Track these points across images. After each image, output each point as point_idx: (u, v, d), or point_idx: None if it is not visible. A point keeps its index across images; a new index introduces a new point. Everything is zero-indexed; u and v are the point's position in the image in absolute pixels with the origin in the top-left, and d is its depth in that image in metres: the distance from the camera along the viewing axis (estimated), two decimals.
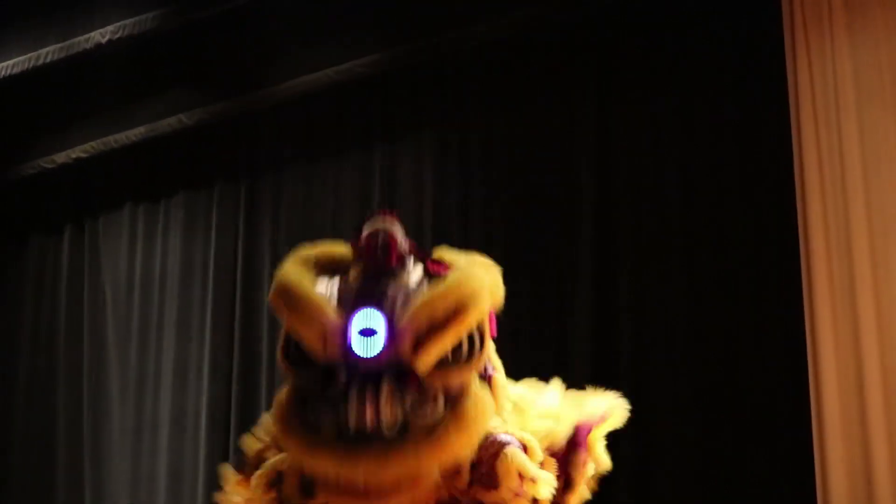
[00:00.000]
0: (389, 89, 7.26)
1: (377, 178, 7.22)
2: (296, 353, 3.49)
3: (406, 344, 3.27)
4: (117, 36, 7.42)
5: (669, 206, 6.23)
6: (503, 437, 3.45)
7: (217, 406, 7.64)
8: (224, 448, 7.48)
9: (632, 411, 5.82)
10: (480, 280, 3.43)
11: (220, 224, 7.96)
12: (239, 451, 3.97)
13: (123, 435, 7.97)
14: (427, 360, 3.26)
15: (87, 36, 7.50)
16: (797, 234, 5.78)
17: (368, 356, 3.26)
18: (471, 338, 3.35)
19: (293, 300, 3.46)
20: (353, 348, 3.28)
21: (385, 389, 3.26)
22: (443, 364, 3.31)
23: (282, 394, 3.55)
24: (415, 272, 3.54)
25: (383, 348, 3.27)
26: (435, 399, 3.29)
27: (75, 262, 8.53)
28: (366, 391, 3.26)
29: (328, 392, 3.34)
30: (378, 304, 3.36)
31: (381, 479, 3.24)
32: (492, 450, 3.41)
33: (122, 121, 7.95)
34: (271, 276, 7.36)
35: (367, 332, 3.27)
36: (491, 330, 3.50)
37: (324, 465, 3.31)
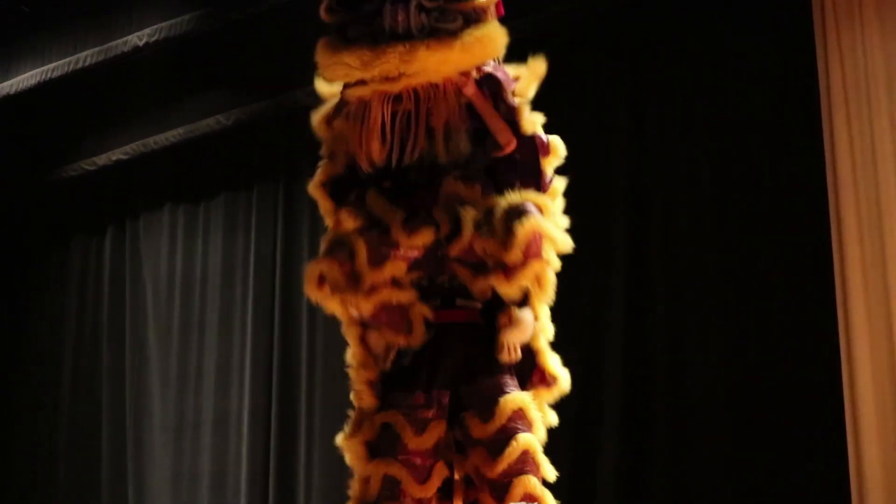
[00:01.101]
0: None
1: None
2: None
3: None
4: (154, 39, 7.48)
5: (701, 202, 6.24)
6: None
7: (258, 404, 7.72)
8: (265, 446, 7.58)
9: (667, 412, 5.94)
10: None
11: (259, 224, 8.03)
12: None
13: (165, 433, 8.07)
14: None
15: (125, 39, 7.58)
16: (829, 230, 5.78)
17: None
18: None
19: None
20: None
21: (414, 2, 3.72)
22: None
23: (320, 44, 3.92)
24: None
25: None
26: (455, 16, 3.76)
27: (117, 263, 8.65)
28: (398, 3, 3.72)
29: (364, 10, 3.75)
30: None
31: (411, 63, 3.70)
32: None
33: (161, 122, 8.05)
34: None
35: None
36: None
37: (357, 61, 3.72)
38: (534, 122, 4.00)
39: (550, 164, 4.08)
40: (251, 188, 8.12)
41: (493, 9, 3.89)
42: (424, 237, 3.87)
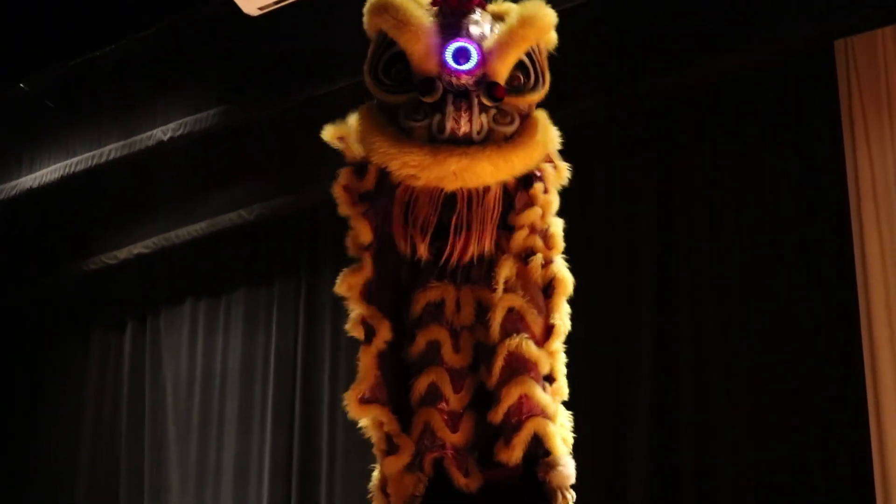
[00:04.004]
0: None
1: None
2: (385, 73, 3.76)
3: (493, 63, 3.67)
4: (178, 133, 7.46)
5: (729, 295, 6.20)
6: None
7: (277, 502, 7.59)
8: None
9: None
10: (547, 14, 3.80)
11: (280, 320, 7.99)
12: None
13: None
14: (506, 68, 3.70)
15: (149, 133, 7.56)
16: (860, 332, 5.73)
17: (463, 71, 3.64)
18: (536, 71, 3.77)
19: (401, 13, 3.71)
20: (450, 65, 3.65)
21: (476, 100, 3.63)
22: (518, 90, 3.73)
23: (361, 110, 3.79)
24: (485, 20, 3.81)
25: (476, 66, 3.65)
26: (512, 117, 3.70)
27: (137, 358, 8.59)
28: (460, 103, 3.63)
29: (425, 101, 3.63)
30: (467, 35, 3.72)
31: (469, 173, 3.62)
32: None
33: (183, 216, 8.03)
34: (331, 372, 7.56)
35: (462, 54, 3.66)
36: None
37: (415, 160, 3.62)
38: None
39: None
40: (272, 283, 8.09)
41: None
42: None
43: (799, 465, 5.82)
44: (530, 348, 3.71)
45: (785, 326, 5.98)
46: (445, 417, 3.69)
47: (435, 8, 3.79)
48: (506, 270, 3.77)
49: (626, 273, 6.49)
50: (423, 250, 3.78)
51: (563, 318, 3.85)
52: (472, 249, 3.76)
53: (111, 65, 7.72)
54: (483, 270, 3.79)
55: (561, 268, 3.89)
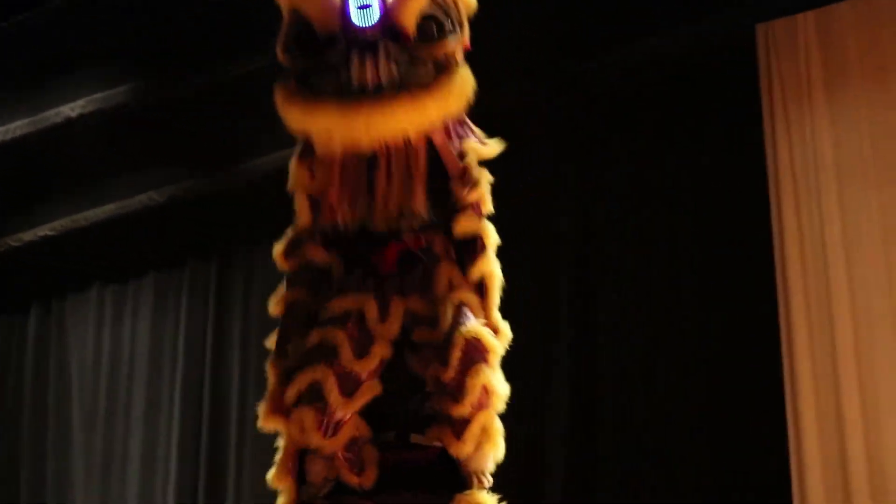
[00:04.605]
0: None
1: None
2: (294, 38, 3.62)
3: (399, 8, 3.54)
4: (88, 110, 7.30)
5: (649, 291, 6.17)
6: None
7: (184, 491, 7.47)
8: None
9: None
10: None
11: (190, 306, 7.86)
12: None
13: None
14: (413, 12, 3.56)
15: (56, 110, 7.38)
16: (777, 314, 5.68)
17: (366, 25, 3.53)
18: (451, 19, 3.63)
19: None
20: (353, 20, 3.55)
21: (382, 51, 3.52)
22: (430, 37, 3.59)
23: (278, 88, 3.66)
24: None
25: (380, 19, 3.54)
26: (425, 64, 3.56)
27: (41, 344, 8.39)
28: (365, 54, 3.51)
29: (328, 59, 3.52)
30: None
31: (380, 123, 3.49)
32: None
33: (92, 198, 7.81)
34: (242, 359, 7.44)
35: (363, 6, 3.55)
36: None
37: (326, 119, 3.49)
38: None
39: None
40: (183, 268, 7.96)
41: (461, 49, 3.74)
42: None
43: (717, 456, 5.79)
44: (488, 336, 3.56)
45: (705, 312, 5.95)
46: (322, 419, 3.49)
47: None
48: (446, 273, 3.62)
49: (544, 264, 6.43)
50: (345, 210, 3.63)
51: (501, 321, 3.71)
52: (396, 203, 3.61)
53: (17, 38, 7.53)
54: (416, 279, 3.63)
55: (493, 262, 3.73)
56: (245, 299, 7.62)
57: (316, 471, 3.58)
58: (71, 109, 7.33)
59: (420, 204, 3.63)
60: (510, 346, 3.59)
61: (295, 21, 3.64)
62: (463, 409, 3.50)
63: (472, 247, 3.68)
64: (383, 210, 3.62)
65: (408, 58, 3.55)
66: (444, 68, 3.61)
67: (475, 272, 3.65)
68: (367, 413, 3.56)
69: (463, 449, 3.53)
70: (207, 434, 7.52)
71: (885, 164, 5.62)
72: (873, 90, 5.72)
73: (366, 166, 3.62)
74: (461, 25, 3.68)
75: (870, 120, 5.69)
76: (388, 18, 3.56)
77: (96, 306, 8.23)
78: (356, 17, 3.55)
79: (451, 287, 3.60)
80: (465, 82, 3.63)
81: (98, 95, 7.29)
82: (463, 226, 3.64)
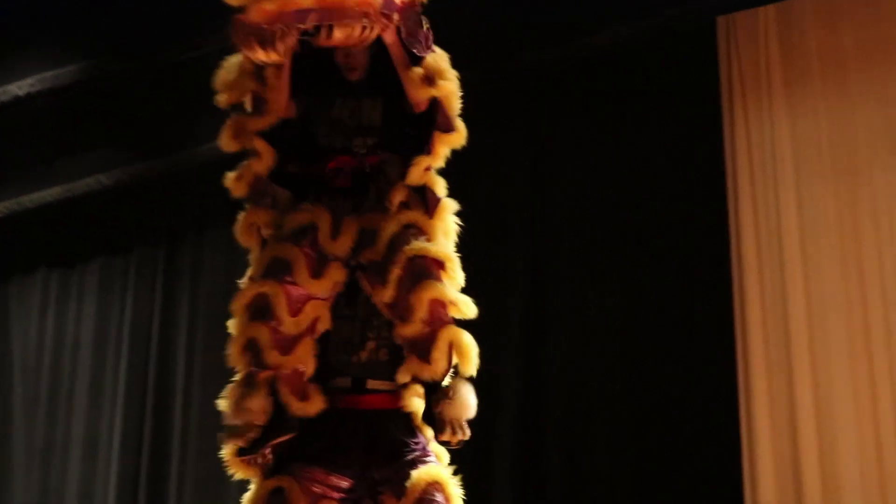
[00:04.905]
0: None
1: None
2: None
3: None
4: (36, 89, 7.15)
5: (603, 275, 6.11)
6: None
7: (126, 478, 7.35)
8: None
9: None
10: None
11: (136, 290, 7.73)
12: None
13: None
14: None
15: (3, 89, 7.23)
16: (732, 308, 5.67)
17: None
18: None
19: None
20: None
21: None
22: None
23: None
24: None
25: None
26: None
27: None
28: None
29: None
30: None
31: None
32: None
33: (38, 180, 7.66)
34: (188, 344, 7.33)
35: None
36: None
37: None
38: (447, 84, 3.66)
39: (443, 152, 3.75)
40: (130, 253, 7.83)
41: None
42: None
43: (670, 456, 5.76)
44: (434, 250, 3.52)
45: (658, 301, 5.92)
46: (275, 337, 3.45)
47: None
48: (400, 195, 3.57)
49: (497, 253, 6.36)
50: (283, 100, 3.57)
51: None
52: (344, 35, 3.42)
53: None
54: (371, 199, 3.59)
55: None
56: (193, 285, 7.51)
57: (253, 408, 3.45)
58: (19, 88, 7.19)
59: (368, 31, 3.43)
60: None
61: None
62: (413, 327, 3.43)
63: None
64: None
65: None
66: None
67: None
68: (321, 361, 3.51)
69: (435, 369, 3.45)
70: (151, 421, 7.40)
71: (841, 157, 5.64)
72: (832, 84, 5.73)
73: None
74: None
75: (827, 113, 5.71)
76: None
77: (41, 290, 8.10)
78: None
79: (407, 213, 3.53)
80: None
81: (47, 74, 7.16)
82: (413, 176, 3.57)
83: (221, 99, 3.67)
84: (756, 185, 5.72)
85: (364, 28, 3.38)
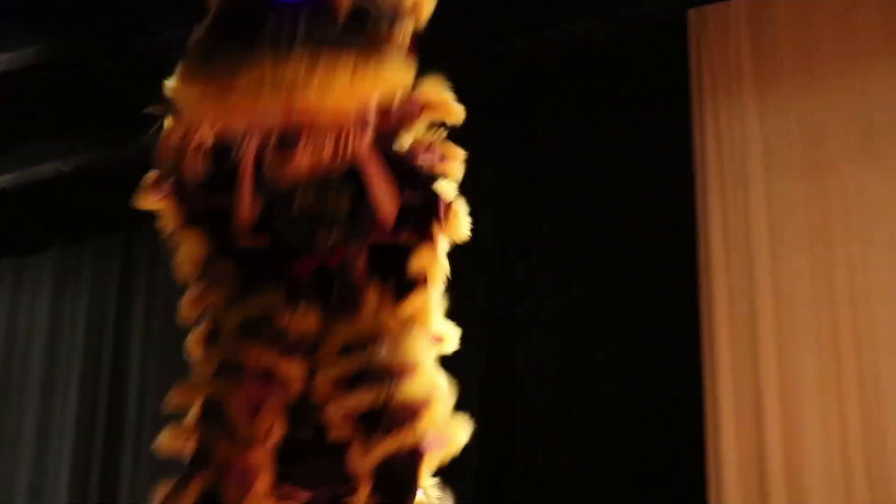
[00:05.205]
0: None
1: None
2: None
3: None
4: None
5: (570, 272, 6.06)
6: None
7: (78, 470, 7.30)
8: None
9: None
10: None
11: (93, 281, 7.71)
12: None
13: None
14: None
15: None
16: (699, 302, 5.61)
17: None
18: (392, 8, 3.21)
19: None
20: None
21: (302, 25, 3.03)
22: (358, 20, 3.10)
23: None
24: None
25: None
26: (352, 45, 3.05)
27: None
28: (283, 26, 3.03)
29: (241, 35, 3.06)
30: None
31: (290, 108, 3.01)
32: None
33: None
34: (144, 335, 7.25)
35: None
36: None
37: (231, 99, 3.04)
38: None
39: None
40: (86, 242, 7.80)
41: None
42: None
43: (634, 452, 5.72)
44: (410, 394, 3.19)
45: (625, 296, 5.89)
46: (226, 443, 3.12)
47: None
48: (372, 298, 3.23)
49: (464, 246, 6.30)
50: (247, 208, 3.23)
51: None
52: (319, 156, 3.14)
53: None
54: (334, 301, 3.21)
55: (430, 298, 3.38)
56: (150, 276, 7.45)
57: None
58: None
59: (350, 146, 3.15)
60: None
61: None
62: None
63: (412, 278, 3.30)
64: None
65: (335, 34, 3.06)
66: (371, 52, 3.11)
67: (407, 307, 3.28)
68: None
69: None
70: (105, 410, 7.36)
71: (812, 154, 5.59)
72: (802, 79, 5.69)
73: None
74: (402, 20, 3.25)
75: (798, 109, 5.66)
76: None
77: None
78: None
79: (376, 314, 3.21)
80: (394, 71, 3.18)
81: (2, 57, 7.01)
82: (418, 264, 3.28)
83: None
84: (725, 180, 5.67)
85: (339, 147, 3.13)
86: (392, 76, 3.17)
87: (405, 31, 3.25)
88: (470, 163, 6.37)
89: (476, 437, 5.89)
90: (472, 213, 6.31)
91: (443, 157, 3.48)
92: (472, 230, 6.23)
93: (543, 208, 6.20)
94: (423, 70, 5.39)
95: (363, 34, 3.10)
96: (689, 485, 5.47)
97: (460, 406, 5.92)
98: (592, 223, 6.04)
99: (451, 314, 6.02)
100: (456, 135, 6.37)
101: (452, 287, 6.06)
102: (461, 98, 6.47)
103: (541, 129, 6.33)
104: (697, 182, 5.74)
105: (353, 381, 3.11)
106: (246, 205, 3.23)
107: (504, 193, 6.32)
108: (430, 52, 6.12)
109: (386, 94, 3.19)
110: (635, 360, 5.78)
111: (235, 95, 3.02)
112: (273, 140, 3.11)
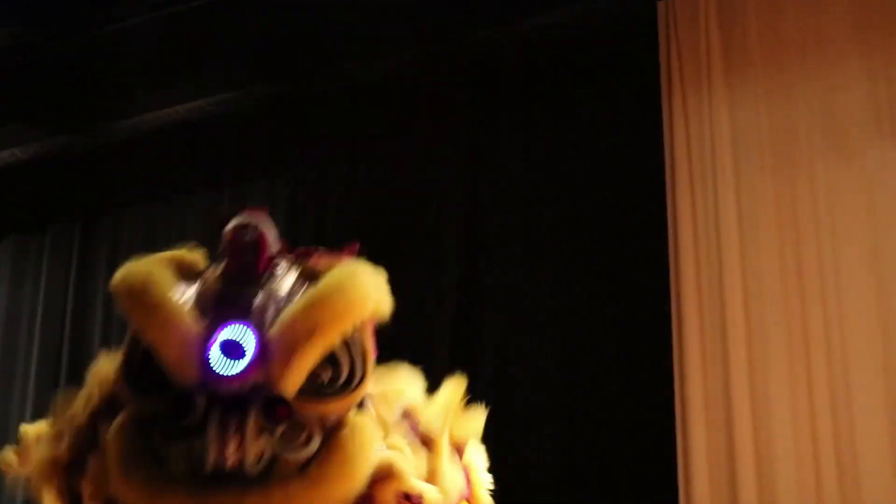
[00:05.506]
0: (242, 128, 6.96)
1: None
2: (141, 372, 2.87)
3: (277, 363, 2.74)
4: None
5: (537, 265, 6.01)
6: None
7: None
8: None
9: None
10: (364, 285, 2.89)
11: (50, 269, 7.56)
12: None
13: None
14: (297, 377, 2.76)
15: None
16: (669, 298, 5.58)
17: (233, 377, 2.73)
18: (352, 360, 2.85)
19: (148, 302, 2.82)
20: (215, 368, 2.73)
21: (252, 420, 2.72)
22: (320, 391, 2.80)
23: (116, 426, 2.88)
24: (287, 278, 2.95)
25: (250, 368, 2.74)
26: (309, 433, 2.78)
27: None
28: (228, 421, 2.72)
29: (181, 423, 2.76)
30: (244, 314, 2.80)
31: None
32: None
33: None
34: (104, 325, 7.14)
35: (232, 348, 2.74)
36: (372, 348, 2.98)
37: None
38: None
39: None
40: (45, 230, 7.64)
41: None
42: None
43: (602, 448, 5.67)
44: None
45: (594, 290, 5.84)
46: None
47: (220, 266, 2.96)
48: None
49: (431, 239, 6.26)
50: None
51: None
52: None
53: None
54: None
55: None
56: (109, 264, 7.30)
57: None
58: None
59: None
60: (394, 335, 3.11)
61: (144, 353, 2.86)
62: None
63: None
64: None
65: (287, 427, 2.76)
66: (334, 432, 2.80)
67: None
68: None
69: None
70: None
71: (781, 147, 5.56)
72: (772, 72, 5.65)
73: None
74: (366, 364, 2.91)
75: (767, 102, 5.63)
76: (265, 369, 2.75)
77: None
78: (218, 364, 2.73)
79: None
80: (358, 445, 2.82)
81: None
82: None
83: None
84: (694, 174, 5.63)
85: None
86: (346, 478, 2.81)
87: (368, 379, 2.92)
88: (436, 158, 6.41)
89: None
90: (439, 210, 6.34)
91: None
92: (439, 229, 6.24)
93: (513, 201, 6.14)
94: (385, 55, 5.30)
95: (318, 414, 2.80)
96: (660, 481, 5.44)
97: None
98: (560, 219, 6.00)
99: (419, 313, 6.03)
100: (421, 127, 6.38)
101: (420, 286, 6.07)
102: (427, 90, 6.50)
103: (508, 122, 6.27)
104: (667, 177, 5.70)
105: None
106: None
107: (470, 189, 6.27)
108: (395, 40, 6.14)
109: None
110: (603, 355, 5.74)
111: None
112: None
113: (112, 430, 2.86)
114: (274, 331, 2.77)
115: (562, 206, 6.00)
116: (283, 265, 2.97)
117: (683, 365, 5.45)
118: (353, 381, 2.84)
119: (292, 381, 2.75)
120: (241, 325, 2.75)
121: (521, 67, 6.27)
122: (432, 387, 5.88)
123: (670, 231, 5.62)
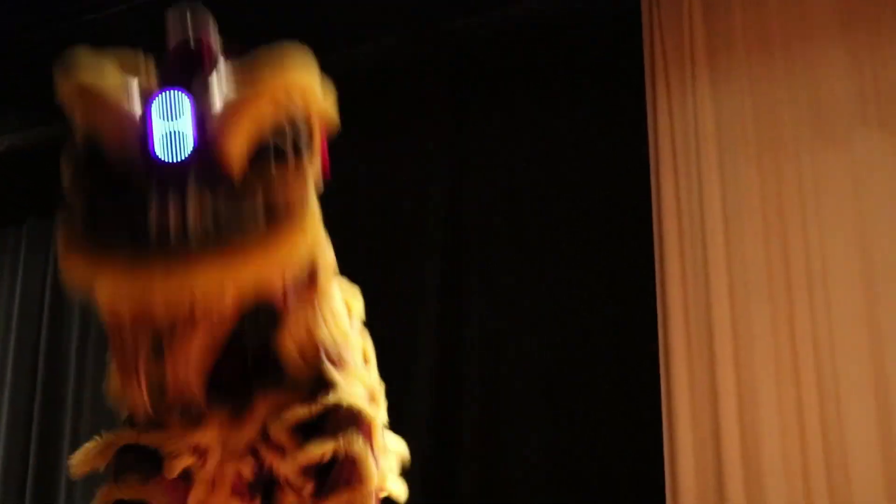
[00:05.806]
0: None
1: None
2: (84, 150, 2.90)
3: (217, 131, 2.73)
4: None
5: (525, 265, 6.00)
6: None
7: (14, 458, 7.15)
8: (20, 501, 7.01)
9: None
10: (305, 63, 2.87)
11: (27, 264, 7.52)
12: None
13: None
14: (237, 143, 2.73)
15: None
16: (654, 288, 5.58)
17: (175, 160, 2.72)
18: (296, 136, 2.81)
19: (89, 87, 2.89)
20: (155, 150, 2.73)
21: (192, 189, 2.69)
22: (263, 164, 2.75)
23: (60, 218, 2.94)
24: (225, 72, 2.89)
25: (191, 151, 2.73)
26: (254, 202, 2.71)
27: None
28: (168, 192, 2.69)
29: (123, 197, 2.73)
30: (185, 88, 2.78)
31: (180, 294, 2.69)
32: None
33: None
34: (81, 322, 7.08)
35: (169, 109, 2.74)
36: (323, 154, 2.95)
37: (112, 279, 2.70)
38: None
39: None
40: (21, 224, 7.62)
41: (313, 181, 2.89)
42: None
43: (587, 440, 5.66)
44: None
45: (579, 282, 5.82)
46: None
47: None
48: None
49: (413, 227, 6.23)
50: (140, 399, 2.92)
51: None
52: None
53: None
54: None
55: None
56: None
57: None
58: None
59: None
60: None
61: (85, 138, 2.89)
62: None
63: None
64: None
65: (231, 196, 2.72)
66: (280, 213, 2.76)
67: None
68: None
69: None
70: (41, 399, 7.19)
71: (766, 138, 5.55)
72: (756, 63, 5.64)
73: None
74: (311, 140, 2.89)
75: (752, 92, 5.62)
76: (206, 150, 2.73)
77: None
78: (161, 149, 2.73)
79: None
80: (307, 234, 2.80)
81: None
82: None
83: None
84: (679, 165, 5.63)
85: None
86: (294, 252, 2.80)
87: (315, 158, 2.90)
88: (418, 143, 6.38)
89: (426, 429, 5.89)
90: (421, 206, 6.31)
91: None
92: (421, 214, 6.22)
93: (495, 194, 6.13)
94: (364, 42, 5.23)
95: (265, 192, 2.75)
96: (646, 474, 5.44)
97: (412, 393, 5.90)
98: (543, 214, 5.98)
99: (404, 312, 5.99)
100: (403, 114, 6.34)
101: (401, 274, 6.04)
102: (409, 78, 6.48)
103: (491, 110, 6.25)
104: (651, 170, 5.69)
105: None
106: (141, 397, 2.93)
107: (452, 185, 6.24)
108: (374, 26, 6.09)
109: (295, 266, 2.85)
110: (590, 350, 5.72)
111: (122, 279, 2.71)
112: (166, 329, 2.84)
113: (60, 222, 2.91)
114: (212, 101, 2.77)
115: (545, 200, 5.98)
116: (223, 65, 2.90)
117: (668, 356, 5.45)
118: (300, 156, 2.81)
119: (232, 146, 2.72)
120: (178, 92, 2.76)
121: (502, 61, 6.24)
122: (419, 387, 5.91)
123: (655, 224, 5.62)
